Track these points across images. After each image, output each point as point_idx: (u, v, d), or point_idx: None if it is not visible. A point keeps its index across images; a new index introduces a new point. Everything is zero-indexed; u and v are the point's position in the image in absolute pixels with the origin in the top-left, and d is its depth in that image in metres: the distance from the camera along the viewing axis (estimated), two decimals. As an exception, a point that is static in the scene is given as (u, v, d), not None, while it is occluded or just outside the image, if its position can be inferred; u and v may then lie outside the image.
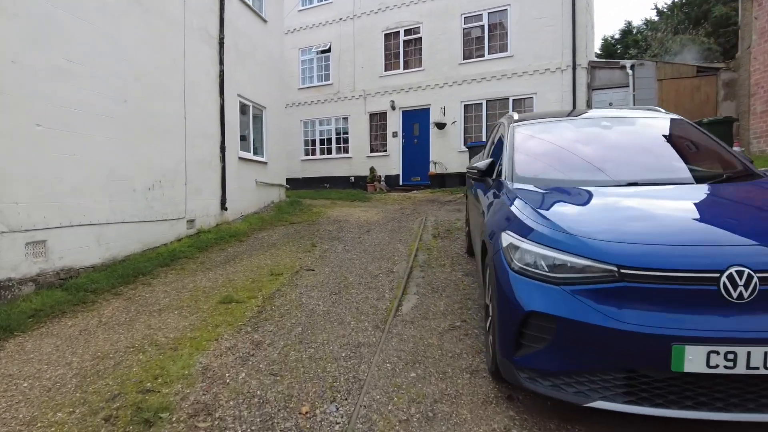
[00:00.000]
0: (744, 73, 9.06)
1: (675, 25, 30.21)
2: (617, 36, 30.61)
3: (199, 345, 3.21)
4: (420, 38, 14.19)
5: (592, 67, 11.82)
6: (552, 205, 2.41)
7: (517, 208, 2.43)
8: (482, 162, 3.27)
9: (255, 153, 9.82)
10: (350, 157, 15.62)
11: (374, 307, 3.84)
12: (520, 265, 2.13)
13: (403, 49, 14.57)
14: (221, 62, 8.07)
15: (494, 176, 3.27)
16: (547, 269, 2.04)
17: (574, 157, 3.04)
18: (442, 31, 13.65)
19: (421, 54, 14.21)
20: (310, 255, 5.80)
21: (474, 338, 3.17)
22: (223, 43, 8.11)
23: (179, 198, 6.79)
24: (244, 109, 9.29)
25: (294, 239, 6.81)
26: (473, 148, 12.04)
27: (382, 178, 14.59)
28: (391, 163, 14.70)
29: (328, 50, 16.07)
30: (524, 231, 2.21)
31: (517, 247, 2.18)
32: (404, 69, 14.55)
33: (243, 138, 9.36)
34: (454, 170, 13.23)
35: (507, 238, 2.25)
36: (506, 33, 12.69)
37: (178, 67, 6.81)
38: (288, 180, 17.29)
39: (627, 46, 27.80)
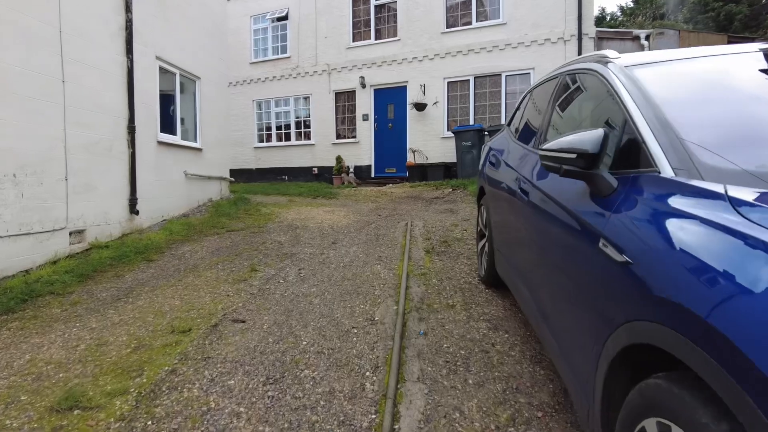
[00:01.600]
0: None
1: (654, 11, 29.77)
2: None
3: None
4: (394, 3, 12.34)
5: (599, 38, 10.35)
6: None
7: None
8: (585, 135, 1.52)
9: (185, 137, 7.79)
10: (313, 145, 13.67)
11: (347, 423, 2.05)
12: None
13: (375, 16, 12.68)
14: (128, 8, 5.99)
15: (604, 167, 1.54)
16: None
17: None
18: (421, -5, 11.86)
19: (396, 21, 12.36)
20: (244, 287, 3.94)
21: None
22: (131, -18, 6.04)
23: (54, 199, 4.76)
24: (168, 79, 7.24)
25: (227, 258, 4.91)
26: (460, 134, 10.39)
27: (351, 170, 12.75)
28: (362, 152, 12.86)
29: (285, 17, 13.98)
30: None
31: None
32: (376, 39, 12.68)
33: (168, 118, 7.32)
34: (436, 160, 11.54)
35: None
36: (498, -4, 11.04)
37: (48, 3, 4.73)
38: (239, 171, 15.19)
39: (606, 31, 26.93)
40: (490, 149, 3.76)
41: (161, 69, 6.93)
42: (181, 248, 5.41)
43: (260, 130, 14.74)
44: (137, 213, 6.03)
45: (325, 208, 8.03)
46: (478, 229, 4.08)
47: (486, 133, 10.45)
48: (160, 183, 6.68)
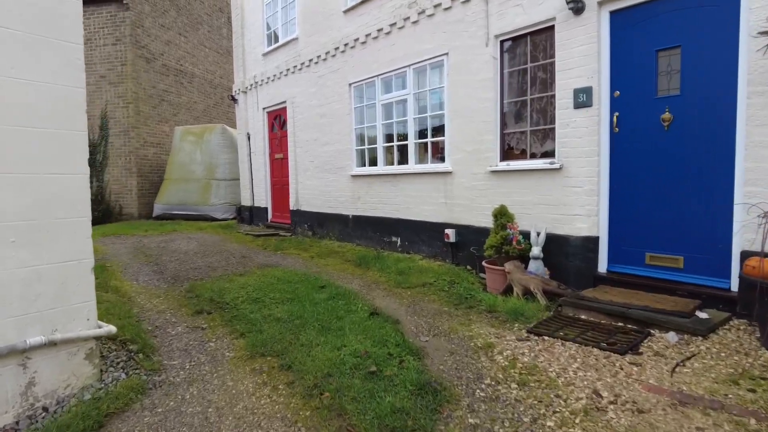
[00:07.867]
0: None
1: None
2: None
3: None
4: None
5: None
6: None
7: None
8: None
9: None
10: (448, 173, 6.44)
11: None
12: None
13: None
14: None
15: None
16: None
17: None
18: None
19: None
20: None
21: None
22: None
23: None
24: None
25: None
26: None
27: (537, 248, 5.04)
28: (569, 199, 5.05)
29: None
30: None
31: None
32: None
33: None
34: None
35: None
36: None
37: None
38: (330, 218, 8.50)
39: None
40: None
41: None
42: None
43: (361, 142, 8.24)
44: None
45: None
46: None
47: None
48: None
